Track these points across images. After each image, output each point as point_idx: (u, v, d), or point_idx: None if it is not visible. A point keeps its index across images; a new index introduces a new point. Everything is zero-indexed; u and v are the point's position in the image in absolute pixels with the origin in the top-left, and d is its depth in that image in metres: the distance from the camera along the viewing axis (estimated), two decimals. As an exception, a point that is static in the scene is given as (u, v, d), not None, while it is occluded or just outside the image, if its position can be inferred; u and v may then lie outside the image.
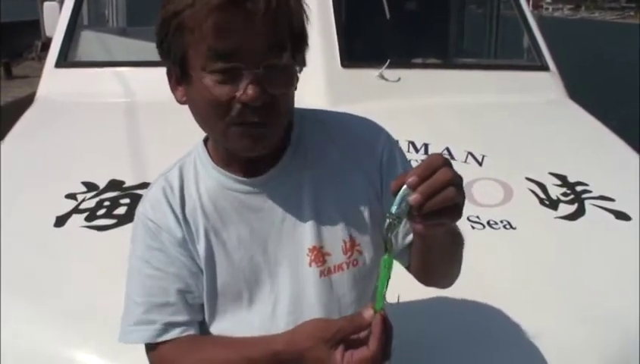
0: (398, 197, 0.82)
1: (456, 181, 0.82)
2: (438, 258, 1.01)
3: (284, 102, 0.94)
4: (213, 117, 0.92)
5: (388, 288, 0.89)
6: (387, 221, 0.84)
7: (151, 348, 1.03)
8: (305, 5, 0.95)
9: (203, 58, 0.89)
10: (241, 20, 0.86)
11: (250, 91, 0.88)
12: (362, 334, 0.86)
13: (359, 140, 1.06)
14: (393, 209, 0.82)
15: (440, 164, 0.81)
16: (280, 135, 0.99)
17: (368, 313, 0.86)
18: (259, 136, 0.93)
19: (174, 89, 0.98)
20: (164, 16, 0.90)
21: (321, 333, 0.88)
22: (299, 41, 0.95)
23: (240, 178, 1.01)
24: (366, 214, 1.05)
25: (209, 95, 0.90)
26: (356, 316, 0.88)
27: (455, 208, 0.83)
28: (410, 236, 1.03)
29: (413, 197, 0.80)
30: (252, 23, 0.87)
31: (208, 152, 1.04)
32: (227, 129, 0.92)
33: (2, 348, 1.43)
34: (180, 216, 1.01)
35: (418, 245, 0.99)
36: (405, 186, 0.81)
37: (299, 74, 0.96)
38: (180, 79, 0.95)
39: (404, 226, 1.00)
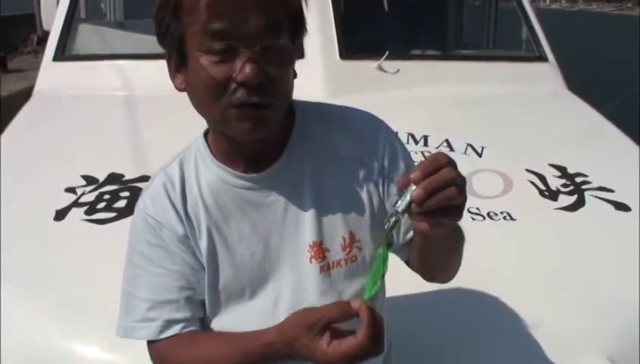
0: (405, 193, 0.82)
1: (459, 182, 0.81)
2: (438, 254, 1.01)
3: (282, 84, 0.93)
4: (211, 99, 0.91)
5: (384, 283, 0.89)
6: (391, 216, 0.84)
7: (152, 343, 1.03)
8: None
9: (199, 38, 0.88)
10: (237, 0, 0.86)
11: (247, 69, 0.87)
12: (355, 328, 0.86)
13: (360, 135, 1.06)
14: (398, 205, 0.82)
15: (445, 162, 0.81)
16: (280, 119, 0.97)
17: (356, 302, 0.86)
18: (258, 119, 0.92)
19: (173, 76, 0.97)
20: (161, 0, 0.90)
21: (305, 319, 0.88)
22: (297, 24, 0.94)
23: (241, 174, 1.01)
24: (367, 209, 1.04)
25: (206, 75, 0.89)
26: (343, 303, 0.88)
27: (455, 209, 0.82)
28: (411, 233, 1.03)
29: (415, 192, 0.80)
30: (248, 2, 0.86)
31: (209, 146, 1.03)
32: (226, 111, 0.91)
33: (2, 341, 1.43)
34: (182, 212, 1.01)
35: (418, 242, 0.99)
36: (412, 185, 0.81)
37: (296, 64, 0.95)
38: (178, 65, 0.95)
39: (405, 222, 1.00)
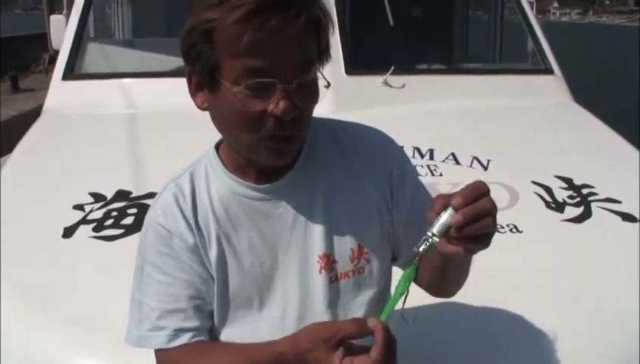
0: (441, 217, 0.84)
1: (495, 212, 0.84)
2: (452, 274, 1.04)
3: (309, 116, 0.97)
4: (242, 129, 0.93)
5: (405, 304, 0.90)
6: (426, 239, 0.86)
7: (160, 353, 1.03)
8: (331, 19, 0.95)
9: (237, 72, 0.89)
10: (276, 37, 0.87)
11: (282, 105, 0.89)
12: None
13: (369, 151, 1.07)
14: (435, 229, 0.85)
15: (485, 191, 0.84)
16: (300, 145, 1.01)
17: (372, 321, 0.87)
18: (284, 151, 0.96)
19: (193, 94, 0.99)
20: (194, 22, 0.90)
21: (321, 333, 0.88)
22: (324, 55, 0.97)
23: (252, 185, 1.02)
24: (376, 223, 1.06)
25: (241, 107, 0.91)
26: (360, 320, 0.88)
27: (487, 237, 0.85)
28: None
29: (455, 218, 0.82)
30: (287, 39, 0.88)
31: (220, 157, 1.05)
32: (256, 142, 0.94)
33: (12, 356, 1.45)
34: (192, 222, 1.02)
35: (438, 262, 0.99)
36: (450, 208, 0.83)
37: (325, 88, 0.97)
38: (202, 85, 0.96)
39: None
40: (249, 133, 0.93)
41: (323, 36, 0.94)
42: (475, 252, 0.88)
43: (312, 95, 0.95)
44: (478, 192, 0.83)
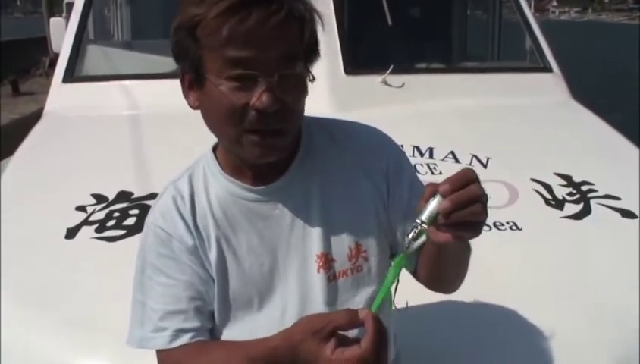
0: (429, 204, 0.84)
1: (484, 199, 0.84)
2: (449, 265, 1.03)
3: (296, 111, 0.97)
4: (227, 123, 0.94)
5: (397, 293, 0.90)
6: (415, 226, 0.86)
7: (161, 353, 1.04)
8: (318, 15, 0.96)
9: (219, 65, 0.91)
10: (257, 29, 0.88)
11: (264, 98, 0.90)
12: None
13: (366, 149, 1.08)
14: (423, 216, 0.85)
15: (473, 178, 0.84)
16: (291, 143, 1.01)
17: (362, 312, 0.87)
18: (271, 145, 0.96)
19: (186, 94, 1.00)
20: (180, 20, 0.92)
21: (312, 324, 0.89)
22: (311, 51, 0.97)
23: (250, 186, 1.03)
24: (373, 221, 1.06)
25: (225, 101, 0.91)
26: (351, 311, 0.89)
27: (477, 225, 0.85)
28: (420, 241, 1.04)
29: (443, 204, 0.83)
30: (268, 32, 0.89)
31: (217, 160, 1.06)
32: (241, 136, 0.94)
33: (12, 356, 1.46)
34: (191, 224, 1.03)
35: (432, 253, 1.00)
36: (438, 195, 0.84)
37: (310, 83, 0.97)
38: (193, 84, 0.97)
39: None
40: (234, 126, 0.93)
41: (307, 30, 0.94)
42: (465, 239, 0.89)
43: (297, 90, 0.95)
44: (467, 179, 0.84)
